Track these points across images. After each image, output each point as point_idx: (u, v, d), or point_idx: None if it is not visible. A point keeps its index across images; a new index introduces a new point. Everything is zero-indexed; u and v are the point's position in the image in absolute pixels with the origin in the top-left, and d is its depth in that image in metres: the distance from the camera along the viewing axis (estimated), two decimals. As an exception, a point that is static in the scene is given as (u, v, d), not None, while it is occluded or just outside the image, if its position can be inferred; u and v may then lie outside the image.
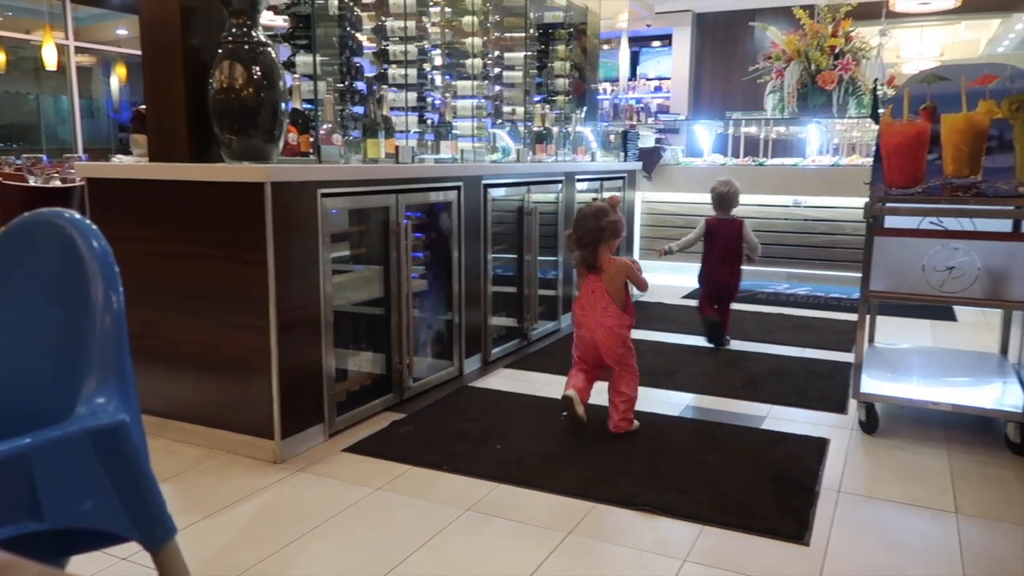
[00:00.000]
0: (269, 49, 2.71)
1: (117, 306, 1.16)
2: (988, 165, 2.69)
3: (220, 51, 2.67)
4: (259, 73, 2.67)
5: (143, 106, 2.97)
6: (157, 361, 2.82)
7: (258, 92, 2.67)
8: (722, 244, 4.19)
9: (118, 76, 9.78)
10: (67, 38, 8.50)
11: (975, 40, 11.79)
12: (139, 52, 2.92)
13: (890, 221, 2.90)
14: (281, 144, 2.82)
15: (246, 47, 2.66)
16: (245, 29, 2.67)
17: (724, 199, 4.24)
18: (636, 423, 2.92)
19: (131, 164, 2.97)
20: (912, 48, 10.70)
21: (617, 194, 4.10)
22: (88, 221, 1.23)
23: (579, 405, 2.84)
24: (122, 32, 9.82)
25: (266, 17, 3.51)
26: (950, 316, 5.03)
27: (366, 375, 3.17)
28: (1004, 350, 3.45)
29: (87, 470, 1.07)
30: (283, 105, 2.77)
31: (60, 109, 9.00)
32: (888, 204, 2.84)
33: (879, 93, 5.96)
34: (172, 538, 1.21)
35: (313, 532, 2.15)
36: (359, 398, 3.04)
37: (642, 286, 3.03)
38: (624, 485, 2.44)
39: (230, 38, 2.66)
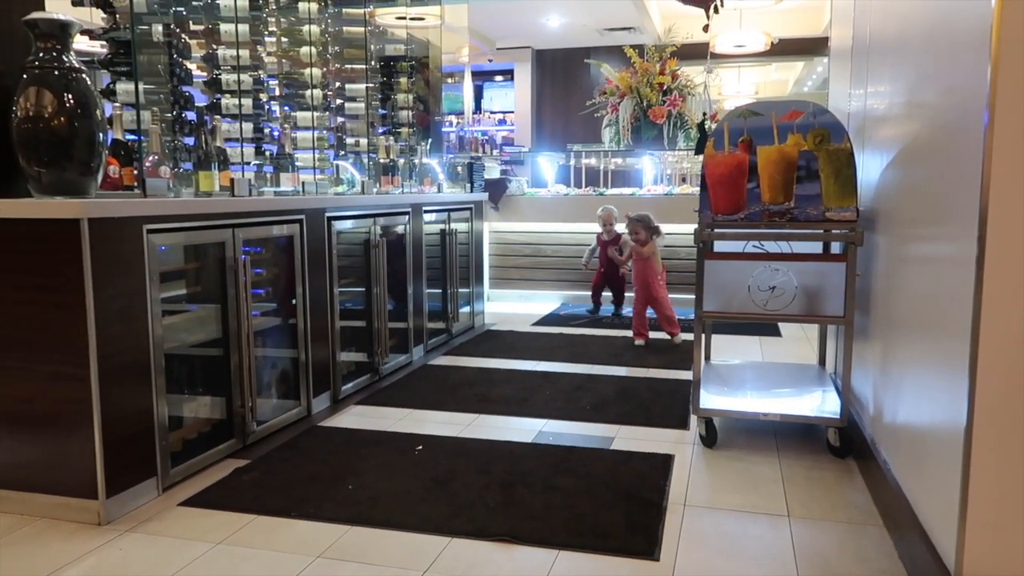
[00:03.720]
0: (83, 75, 2.51)
1: None
2: (799, 192, 2.94)
3: (25, 76, 2.45)
4: (72, 100, 2.46)
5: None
6: (-46, 421, 2.50)
7: (71, 121, 2.46)
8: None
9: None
10: None
11: (784, 80, 13.02)
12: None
13: (719, 246, 3.09)
14: (100, 177, 2.61)
15: (56, 72, 2.44)
16: (55, 53, 2.45)
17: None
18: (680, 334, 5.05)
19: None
20: (731, 87, 11.64)
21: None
22: None
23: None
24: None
25: (82, 43, 3.27)
26: (775, 332, 5.43)
27: (204, 421, 2.97)
28: (822, 361, 3.76)
29: None
30: (101, 135, 2.57)
31: None
32: (716, 229, 3.03)
33: (707, 127, 6.39)
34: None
35: (144, 598, 1.96)
36: (197, 446, 2.83)
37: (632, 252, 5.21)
38: (480, 516, 2.42)
39: (36, 63, 2.44)
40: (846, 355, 2.92)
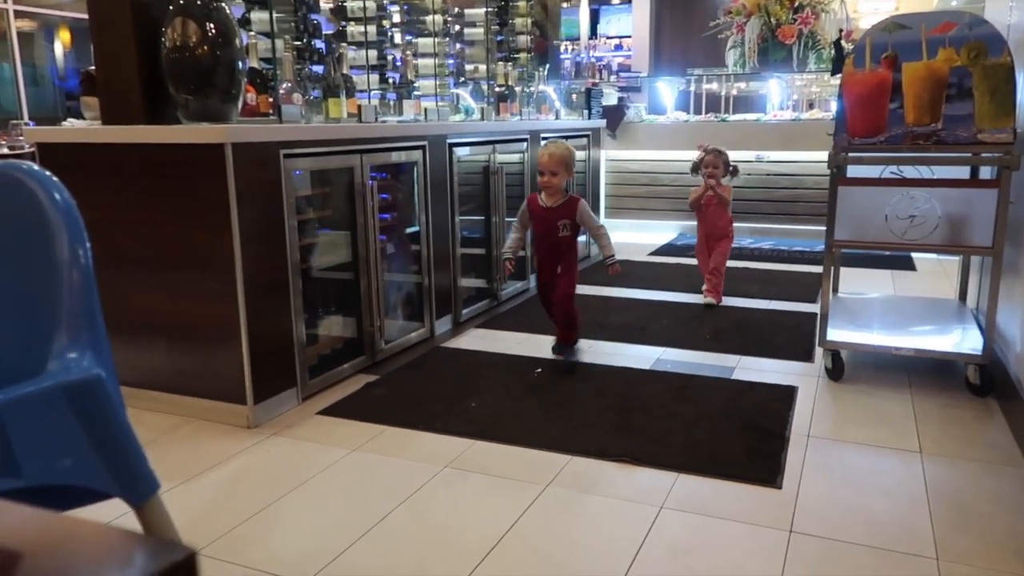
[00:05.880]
0: (223, 4, 2.61)
1: (84, 260, 1.11)
2: (948, 113, 2.73)
3: (171, 7, 2.57)
4: (214, 30, 2.57)
5: (92, 67, 2.86)
6: (119, 330, 2.73)
7: (213, 50, 2.58)
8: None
9: (62, 42, 9.39)
10: (5, 2, 8.12)
11: (929, -6, 11.89)
12: (83, 16, 2.79)
13: (853, 171, 2.93)
14: (240, 104, 2.74)
15: (198, 3, 2.56)
16: (196, -16, 2.56)
17: None
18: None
19: (84, 128, 2.87)
20: (869, 3, 10.77)
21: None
22: (48, 173, 1.18)
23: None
24: (64, -5, 9.40)
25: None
26: (909, 266, 5.14)
27: (337, 338, 3.14)
28: (963, 296, 3.54)
29: (63, 426, 1.04)
30: (240, 64, 2.68)
31: (1, 77, 8.63)
32: (852, 153, 2.87)
33: (842, 45, 5.98)
34: (156, 493, 1.19)
35: (292, 494, 2.14)
36: (331, 361, 3.01)
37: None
38: (599, 437, 2.47)
39: (181, -7, 2.56)
40: (992, 289, 2.74)
